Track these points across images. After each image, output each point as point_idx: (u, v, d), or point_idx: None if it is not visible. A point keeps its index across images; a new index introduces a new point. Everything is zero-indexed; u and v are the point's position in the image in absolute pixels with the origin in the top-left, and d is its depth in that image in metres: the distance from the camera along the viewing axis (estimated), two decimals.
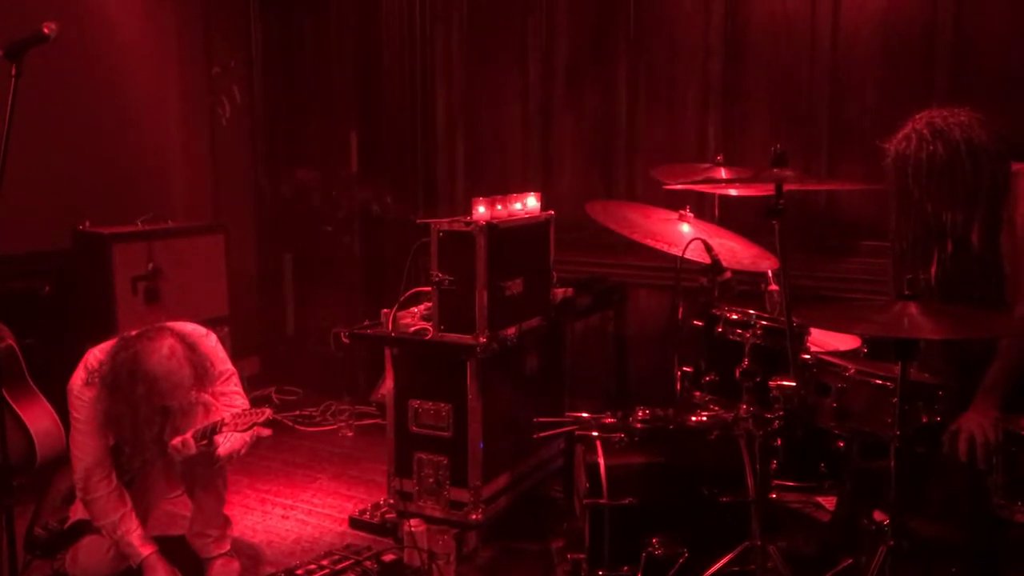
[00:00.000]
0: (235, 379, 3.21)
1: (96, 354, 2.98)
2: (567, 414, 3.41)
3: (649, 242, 3.41)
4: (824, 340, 3.14)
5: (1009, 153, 2.66)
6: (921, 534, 2.60)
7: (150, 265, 4.57)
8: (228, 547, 3.30)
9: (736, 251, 3.47)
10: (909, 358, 2.31)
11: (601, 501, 2.90)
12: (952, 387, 2.59)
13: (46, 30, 2.84)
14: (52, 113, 4.51)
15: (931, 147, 2.61)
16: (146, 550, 3.04)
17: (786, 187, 2.77)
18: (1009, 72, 3.73)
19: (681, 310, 3.39)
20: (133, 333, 2.96)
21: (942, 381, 2.61)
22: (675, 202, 3.69)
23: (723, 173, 3.85)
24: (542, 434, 3.34)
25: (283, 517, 3.84)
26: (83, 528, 3.12)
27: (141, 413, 2.83)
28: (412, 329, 3.43)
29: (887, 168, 2.73)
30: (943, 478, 2.66)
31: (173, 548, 3.20)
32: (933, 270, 2.79)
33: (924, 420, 2.56)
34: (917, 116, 2.70)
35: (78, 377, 2.96)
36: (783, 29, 4.18)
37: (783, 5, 4.17)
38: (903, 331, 2.25)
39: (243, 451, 3.10)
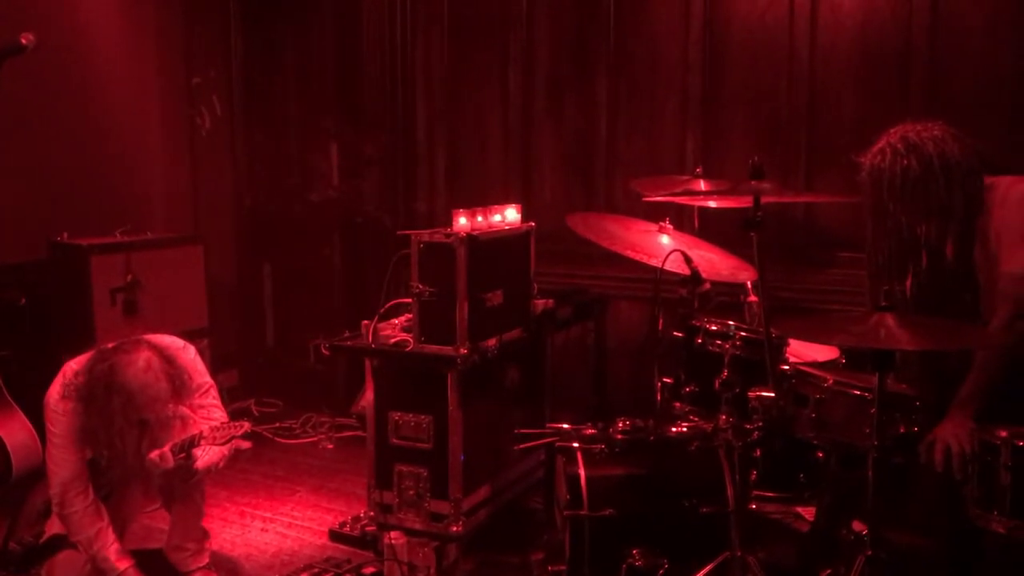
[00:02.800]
0: (213, 392, 3.19)
1: (72, 367, 2.95)
2: (548, 425, 3.41)
3: (629, 253, 3.43)
4: (803, 351, 3.16)
5: (982, 167, 2.70)
6: (898, 544, 2.62)
7: (128, 276, 4.54)
8: (207, 561, 3.28)
9: (715, 262, 3.49)
10: (886, 369, 2.33)
11: (581, 512, 2.90)
12: (929, 398, 2.62)
13: (23, 41, 2.83)
14: (29, 123, 4.48)
15: (905, 161, 2.65)
16: (123, 564, 3.01)
17: (764, 199, 2.80)
18: (983, 86, 3.79)
19: (661, 321, 3.41)
20: (110, 346, 2.94)
21: (919, 392, 2.64)
22: (655, 214, 3.71)
23: (702, 185, 3.88)
24: (523, 446, 3.35)
25: (262, 530, 3.81)
26: (59, 543, 3.09)
27: (117, 426, 2.81)
28: (392, 341, 3.42)
29: (862, 182, 2.77)
30: (920, 488, 2.69)
31: (151, 562, 3.17)
32: (908, 283, 2.82)
33: (901, 430, 2.59)
34: (892, 130, 2.74)
35: (54, 390, 2.94)
36: (761, 44, 4.22)
37: (761, 20, 4.21)
38: (880, 342, 2.27)
39: (221, 464, 3.08)
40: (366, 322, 3.47)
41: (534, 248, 3.77)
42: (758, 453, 2.96)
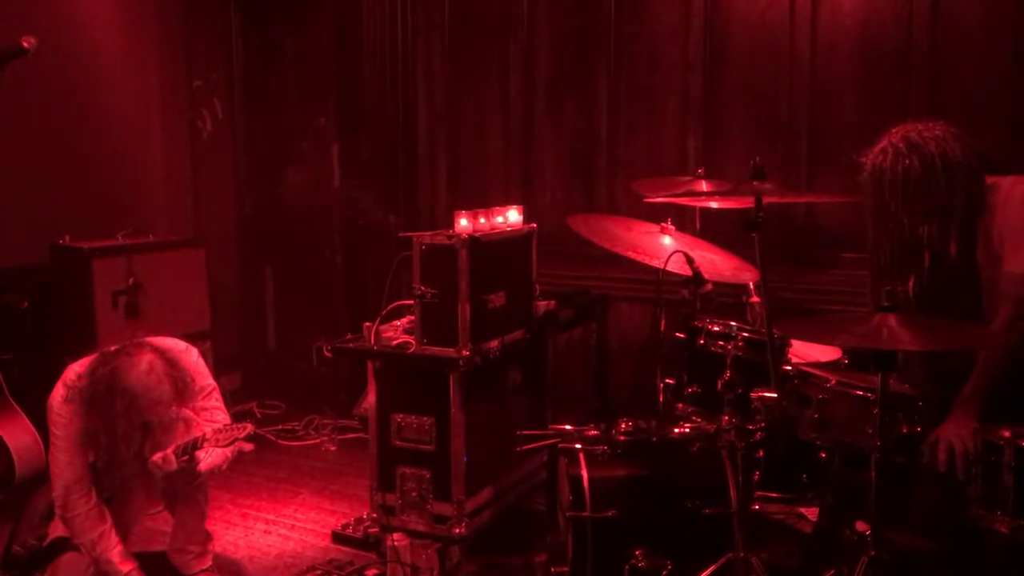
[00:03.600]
0: (216, 394, 3.19)
1: (75, 370, 2.95)
2: (550, 427, 3.41)
3: (631, 255, 3.43)
4: (805, 351, 3.16)
5: (983, 166, 2.69)
6: (901, 544, 2.62)
7: (131, 279, 4.55)
8: (210, 563, 3.28)
9: (717, 263, 3.49)
10: (889, 369, 2.33)
11: (584, 514, 2.90)
12: (932, 398, 2.62)
13: (25, 44, 2.83)
14: (30, 126, 4.49)
15: (907, 161, 2.64)
16: (126, 567, 3.01)
17: (766, 200, 2.80)
18: (983, 86, 3.79)
19: (663, 322, 3.41)
20: (112, 349, 2.93)
21: (922, 392, 2.64)
22: (656, 215, 3.71)
23: (704, 186, 3.88)
24: (525, 447, 3.34)
25: (265, 532, 3.81)
26: (62, 546, 3.08)
27: (120, 429, 2.81)
28: (394, 343, 3.42)
29: (864, 182, 2.77)
30: (923, 489, 2.68)
31: (154, 564, 3.17)
32: (911, 283, 2.82)
33: (904, 431, 2.59)
34: (893, 130, 2.73)
35: (57, 393, 2.93)
36: (762, 44, 4.22)
37: (762, 20, 4.22)
38: (883, 343, 2.27)
39: (224, 466, 3.07)
40: (368, 324, 3.47)
41: (536, 249, 3.77)
42: (761, 454, 2.96)
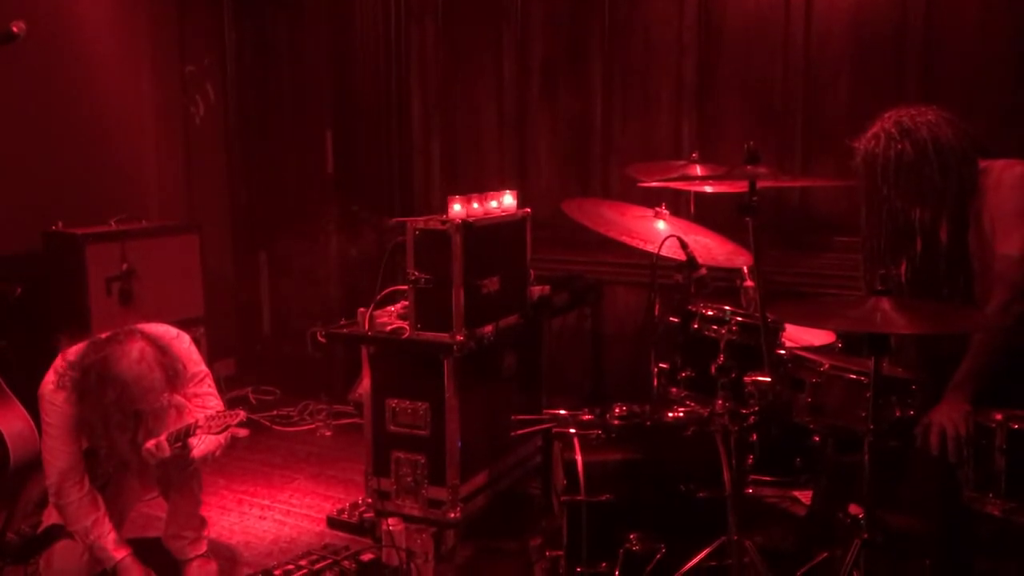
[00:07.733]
0: (208, 380, 3.19)
1: (66, 358, 2.94)
2: (544, 411, 3.41)
3: (625, 239, 3.42)
4: (799, 335, 3.16)
5: (976, 151, 2.69)
6: (895, 527, 2.63)
7: (124, 265, 4.53)
8: (205, 548, 3.29)
9: (711, 248, 3.49)
10: (882, 353, 2.33)
11: (579, 498, 2.91)
12: (925, 381, 2.62)
13: (15, 29, 2.82)
14: (22, 112, 4.46)
15: (899, 146, 2.64)
16: (120, 553, 3.02)
17: (760, 184, 2.79)
18: (978, 71, 3.78)
19: (657, 307, 3.41)
20: (103, 336, 2.93)
21: (915, 375, 2.64)
22: (651, 199, 3.70)
23: (698, 170, 3.87)
24: (520, 432, 3.34)
25: (260, 518, 3.82)
26: (56, 532, 3.09)
27: (112, 418, 2.80)
28: (389, 328, 3.42)
29: (857, 167, 2.76)
30: (916, 472, 2.69)
31: (149, 550, 3.18)
32: (903, 267, 2.82)
33: (897, 414, 2.60)
34: (886, 115, 2.73)
35: (48, 381, 2.93)
36: (756, 28, 4.21)
37: (756, 4, 4.20)
38: (876, 326, 2.27)
39: (218, 453, 3.07)
40: (362, 309, 3.46)
41: (530, 234, 3.76)
42: (754, 438, 2.97)
